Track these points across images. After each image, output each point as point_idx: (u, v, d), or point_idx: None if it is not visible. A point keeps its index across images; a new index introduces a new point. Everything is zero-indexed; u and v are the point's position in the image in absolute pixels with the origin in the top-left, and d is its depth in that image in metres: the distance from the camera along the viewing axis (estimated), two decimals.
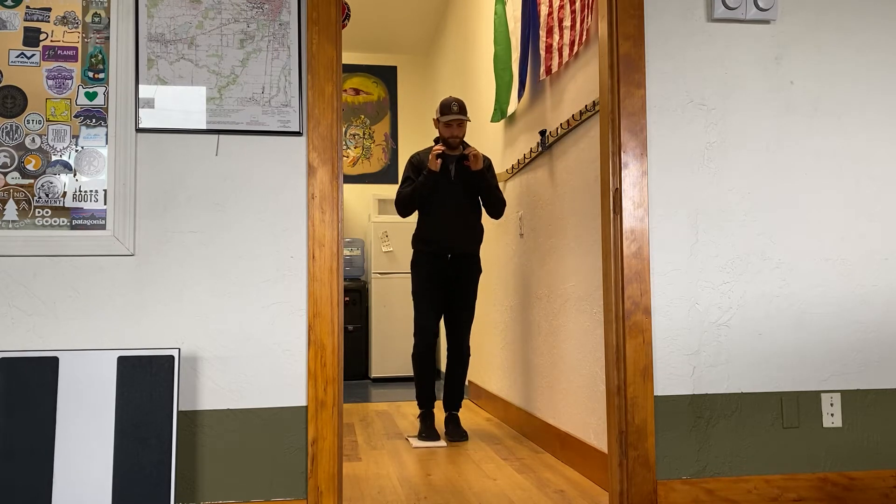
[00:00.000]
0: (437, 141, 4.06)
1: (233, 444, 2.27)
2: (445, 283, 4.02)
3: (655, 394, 2.41)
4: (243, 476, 2.27)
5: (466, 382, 4.72)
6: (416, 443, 3.81)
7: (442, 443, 3.80)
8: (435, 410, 4.43)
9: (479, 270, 4.08)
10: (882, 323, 2.53)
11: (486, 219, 5.00)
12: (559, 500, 2.75)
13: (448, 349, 4.09)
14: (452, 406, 4.06)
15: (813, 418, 2.48)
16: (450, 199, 3.98)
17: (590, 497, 2.78)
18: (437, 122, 4.00)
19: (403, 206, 4.00)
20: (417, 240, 4.07)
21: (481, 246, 4.89)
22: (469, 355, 4.08)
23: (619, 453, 2.40)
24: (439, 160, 3.85)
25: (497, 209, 4.04)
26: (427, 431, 3.90)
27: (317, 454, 2.28)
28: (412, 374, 6.45)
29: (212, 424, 2.27)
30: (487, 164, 4.06)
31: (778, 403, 2.47)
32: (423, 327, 3.97)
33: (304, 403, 2.30)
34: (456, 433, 3.92)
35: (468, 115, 3.96)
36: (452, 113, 3.93)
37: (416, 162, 4.04)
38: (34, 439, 2.05)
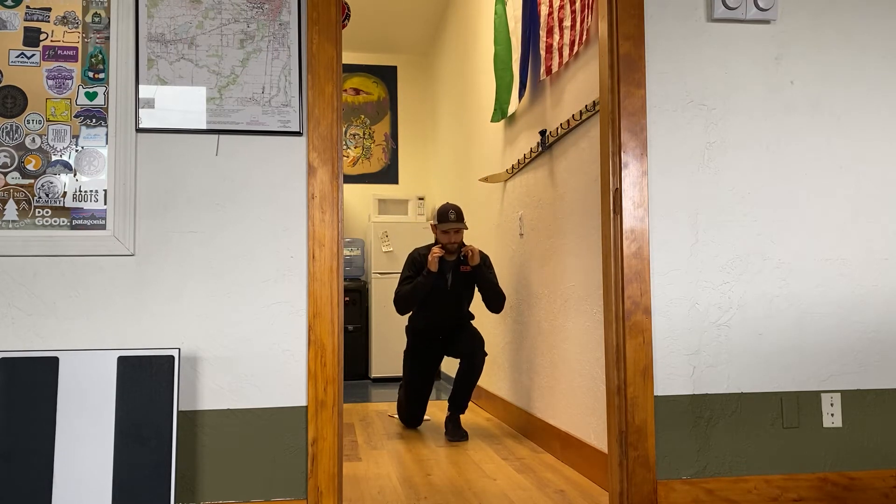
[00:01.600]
0: (435, 244, 4.17)
1: (233, 444, 2.27)
2: (439, 349, 4.28)
3: (655, 394, 2.41)
4: (243, 476, 2.27)
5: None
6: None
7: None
8: (438, 411, 4.49)
9: (472, 317, 4.27)
10: (882, 323, 2.53)
11: (481, 219, 5.00)
12: (559, 500, 2.75)
13: (461, 363, 4.15)
14: (457, 408, 4.08)
15: (813, 418, 2.48)
16: (444, 306, 4.15)
17: (590, 497, 2.78)
18: (434, 227, 4.11)
19: (403, 304, 4.15)
20: (411, 332, 4.30)
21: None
22: (485, 355, 4.14)
23: (619, 453, 2.40)
24: (436, 262, 3.99)
25: (497, 305, 4.14)
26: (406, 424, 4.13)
27: (317, 454, 2.28)
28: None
29: (212, 424, 2.27)
30: (485, 261, 4.17)
31: (778, 403, 2.47)
32: (408, 413, 4.22)
33: (304, 403, 2.30)
34: (456, 433, 3.93)
35: (465, 221, 4.19)
36: (450, 221, 4.04)
37: (417, 259, 4.16)
38: (34, 439, 2.05)
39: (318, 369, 2.30)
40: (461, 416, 4.11)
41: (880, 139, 2.57)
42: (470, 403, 5.26)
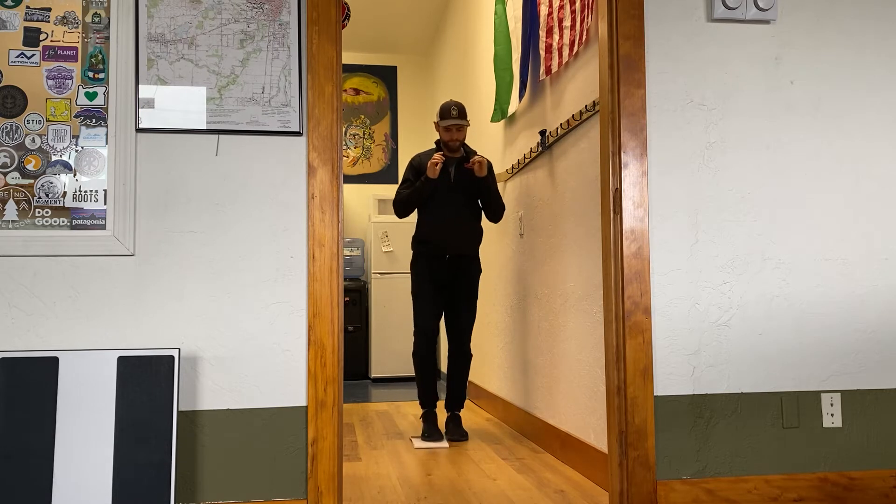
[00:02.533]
0: (437, 144, 4.07)
1: (233, 444, 2.27)
2: (444, 283, 4.02)
3: (655, 394, 2.41)
4: (243, 476, 2.27)
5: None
6: (418, 443, 3.80)
7: (445, 444, 3.80)
8: (437, 410, 4.43)
9: (479, 270, 4.08)
10: (882, 323, 2.53)
11: (485, 220, 5.00)
12: (559, 500, 2.75)
13: (449, 351, 4.08)
14: (454, 407, 4.06)
15: (813, 418, 2.48)
16: (449, 202, 3.98)
17: (590, 497, 2.78)
18: (437, 125, 4.01)
19: (401, 207, 4.02)
20: (416, 241, 4.07)
21: (481, 246, 4.89)
22: (471, 356, 4.07)
23: (619, 453, 2.40)
24: (438, 167, 3.85)
25: (496, 213, 4.05)
26: (430, 431, 3.89)
27: (317, 454, 2.28)
28: (412, 374, 6.45)
29: (212, 424, 2.27)
30: (489, 166, 4.05)
31: (778, 403, 2.47)
32: (423, 328, 3.96)
33: (304, 403, 2.30)
34: (456, 433, 3.92)
35: (468, 117, 3.95)
36: (452, 117, 3.94)
37: (417, 164, 4.04)
38: (34, 439, 2.05)
39: (318, 369, 2.30)
40: (460, 414, 4.10)
41: (880, 139, 2.57)
42: (470, 403, 5.26)
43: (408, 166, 4.08)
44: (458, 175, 3.98)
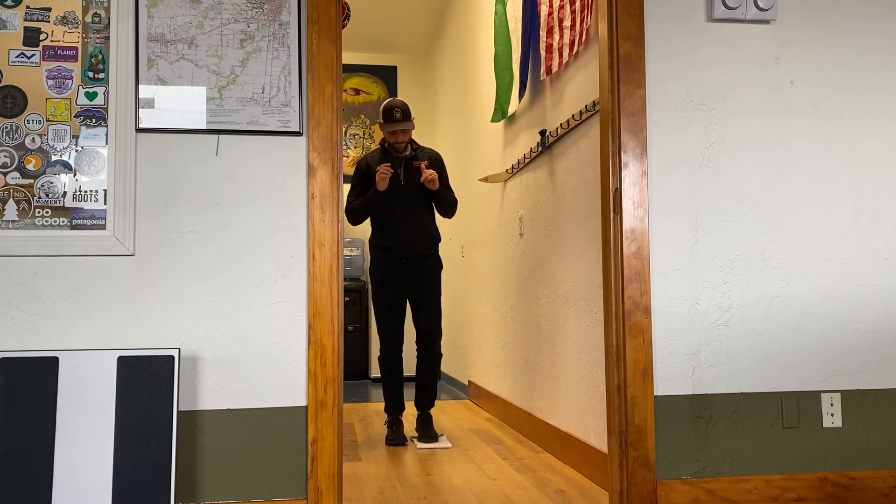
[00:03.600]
0: (383, 143, 3.99)
1: (233, 444, 2.27)
2: (405, 285, 3.95)
3: (655, 394, 2.41)
4: (243, 476, 2.27)
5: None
6: (420, 444, 3.76)
7: (446, 443, 3.77)
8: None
9: (440, 266, 4.00)
10: (882, 323, 2.53)
11: (481, 219, 5.01)
12: (559, 500, 2.75)
13: (418, 351, 3.99)
14: (424, 406, 3.95)
15: (813, 418, 2.48)
16: (402, 204, 3.91)
17: (590, 497, 2.78)
18: (381, 126, 3.91)
19: (353, 217, 3.95)
20: (372, 245, 4.01)
21: (478, 246, 4.87)
22: (440, 355, 3.98)
23: (619, 453, 2.40)
24: (386, 181, 3.76)
25: (448, 210, 3.99)
26: (394, 436, 3.82)
27: (317, 454, 2.28)
28: (412, 374, 6.44)
29: (212, 424, 2.27)
30: (438, 161, 3.99)
31: (778, 403, 2.47)
32: (386, 333, 3.93)
33: (304, 403, 2.30)
34: (427, 434, 3.80)
35: (412, 117, 3.80)
36: (396, 121, 3.84)
37: (364, 168, 3.94)
38: (34, 439, 2.05)
39: (318, 369, 2.30)
40: (431, 412, 3.99)
41: (880, 139, 2.57)
42: (470, 403, 5.25)
43: (355, 171, 3.98)
44: (408, 175, 3.90)
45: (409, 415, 4.75)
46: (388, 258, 3.94)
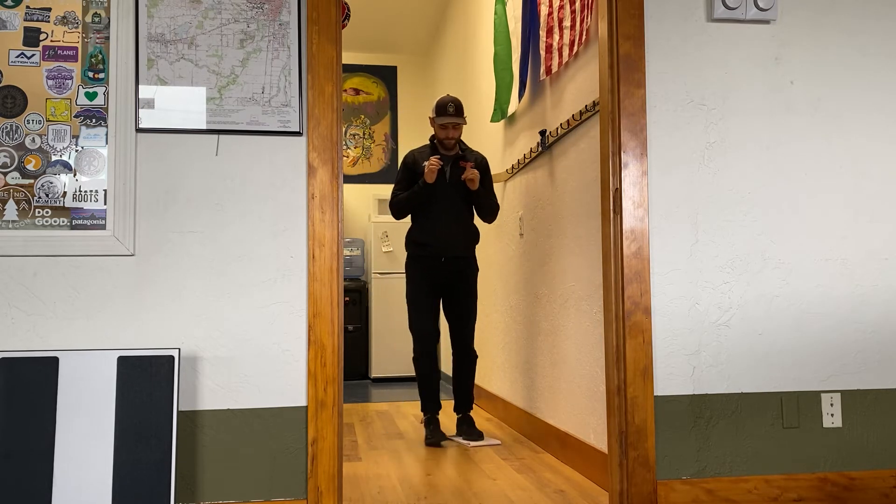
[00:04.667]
0: (432, 140, 4.00)
1: (233, 444, 2.27)
2: (441, 285, 3.96)
3: (655, 394, 2.41)
4: (243, 476, 2.27)
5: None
6: (471, 443, 3.77)
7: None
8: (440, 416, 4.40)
9: (476, 270, 4.03)
10: (882, 323, 2.53)
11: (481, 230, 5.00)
12: (559, 500, 2.75)
13: (454, 353, 4.02)
14: (464, 408, 3.99)
15: (813, 418, 2.48)
16: (443, 202, 3.91)
17: (590, 497, 2.78)
18: (432, 121, 3.93)
19: (398, 210, 3.96)
20: (410, 242, 4.01)
21: (480, 246, 4.87)
22: (476, 357, 4.02)
23: (619, 453, 2.40)
24: (435, 173, 3.78)
25: (490, 214, 4.00)
26: (433, 435, 3.82)
27: (317, 454, 2.28)
28: (412, 374, 6.44)
29: (212, 424, 2.27)
30: (484, 165, 4.00)
31: (778, 403, 2.47)
32: (422, 331, 3.90)
33: (304, 403, 2.30)
34: (472, 433, 3.84)
35: (465, 114, 3.86)
36: (448, 115, 3.85)
37: (411, 162, 3.96)
38: (34, 439, 2.05)
39: (318, 369, 2.30)
40: (472, 415, 4.04)
41: (880, 139, 2.57)
42: None
43: (402, 165, 4.00)
44: (454, 175, 3.91)
45: (411, 414, 4.75)
46: (425, 256, 3.93)
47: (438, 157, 3.85)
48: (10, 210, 2.23)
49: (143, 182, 2.28)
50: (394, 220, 6.71)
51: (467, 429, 3.89)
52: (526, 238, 4.06)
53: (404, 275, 4.12)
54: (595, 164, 3.01)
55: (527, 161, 3.97)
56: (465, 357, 3.98)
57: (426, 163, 3.83)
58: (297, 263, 2.33)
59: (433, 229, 3.92)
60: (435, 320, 3.96)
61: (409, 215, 4.00)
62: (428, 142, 4.04)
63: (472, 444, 3.77)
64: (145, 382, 2.11)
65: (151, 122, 2.28)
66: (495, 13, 4.33)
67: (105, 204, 2.27)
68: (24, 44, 2.26)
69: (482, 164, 4.00)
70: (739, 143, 2.50)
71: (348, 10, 5.23)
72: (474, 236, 4.02)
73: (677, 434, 2.42)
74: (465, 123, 3.95)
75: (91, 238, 2.25)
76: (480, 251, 5.04)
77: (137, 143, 2.29)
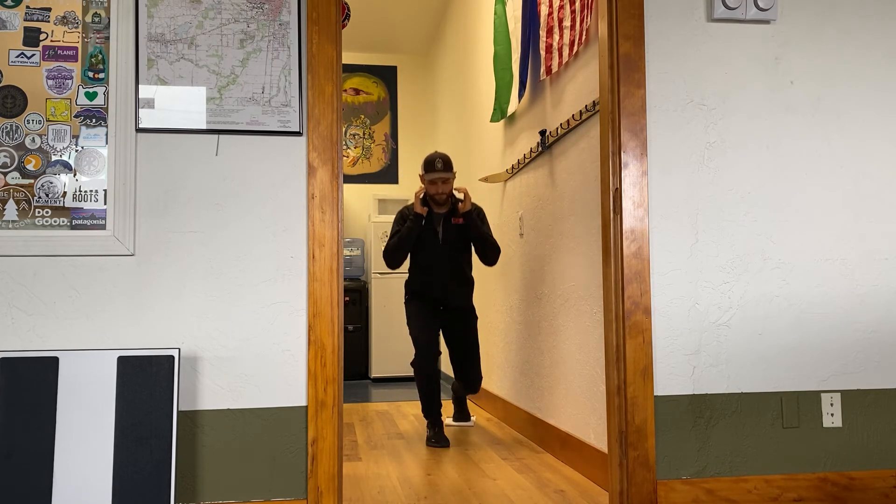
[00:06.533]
0: (423, 198, 4.04)
1: (233, 444, 2.27)
2: (441, 315, 4.08)
3: (655, 394, 2.41)
4: (243, 476, 2.27)
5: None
6: (448, 421, 4.15)
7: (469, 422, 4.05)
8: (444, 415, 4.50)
9: (475, 318, 4.15)
10: (882, 323, 2.53)
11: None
12: (559, 500, 2.75)
13: (460, 382, 4.20)
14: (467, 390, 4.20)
15: (813, 418, 2.48)
16: (438, 259, 3.99)
17: (590, 497, 2.78)
18: (422, 177, 3.98)
19: (391, 256, 3.99)
20: (409, 288, 4.11)
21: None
22: (481, 378, 4.16)
23: (619, 453, 2.40)
24: (419, 200, 3.89)
25: (490, 258, 4.03)
26: (436, 437, 3.81)
27: (317, 454, 2.28)
28: (412, 374, 6.44)
29: (212, 424, 2.27)
30: (479, 213, 4.06)
31: (778, 403, 2.47)
32: (423, 343, 3.91)
33: (304, 403, 2.30)
34: (461, 416, 4.16)
35: (454, 170, 3.95)
36: (436, 171, 3.90)
37: (406, 213, 4.03)
38: (34, 439, 2.05)
39: (318, 369, 2.30)
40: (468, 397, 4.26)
41: (880, 139, 2.57)
42: (470, 403, 5.26)
43: (396, 218, 4.06)
44: (447, 232, 3.99)
45: (411, 414, 4.75)
46: (424, 300, 4.07)
47: (422, 186, 3.96)
48: (10, 210, 2.23)
49: (143, 182, 2.28)
50: (393, 217, 6.75)
51: (457, 411, 4.23)
52: (526, 238, 4.06)
53: (405, 273, 4.18)
54: (595, 164, 3.01)
55: (527, 161, 3.97)
56: (472, 386, 4.13)
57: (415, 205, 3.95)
58: (297, 263, 2.33)
59: (429, 284, 4.03)
60: (435, 334, 4.01)
61: (405, 261, 4.07)
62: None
63: (454, 423, 4.23)
64: (145, 382, 2.11)
65: (151, 122, 2.28)
66: (495, 13, 4.33)
67: (105, 204, 2.27)
68: (24, 44, 2.26)
69: (478, 214, 4.06)
70: (739, 143, 2.50)
71: (348, 10, 5.23)
72: (470, 288, 4.14)
73: (677, 434, 2.42)
74: (454, 178, 3.99)
75: (91, 238, 2.25)
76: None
77: (137, 143, 2.29)
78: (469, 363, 4.08)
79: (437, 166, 3.90)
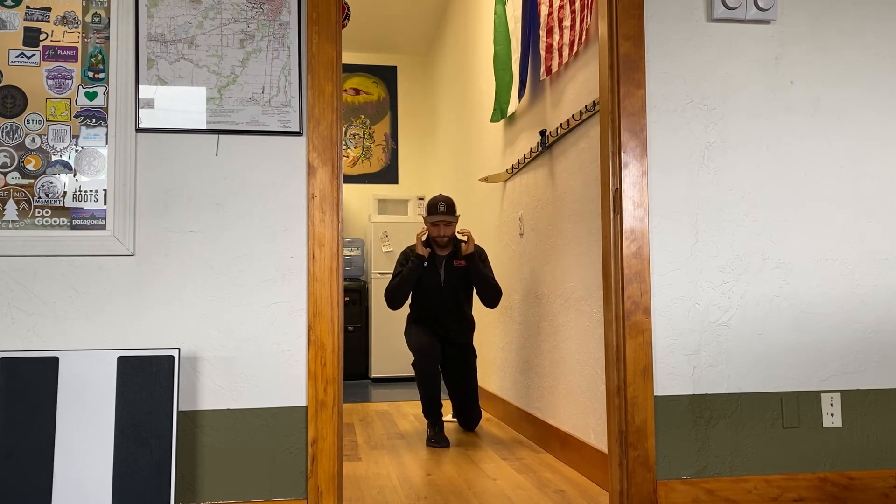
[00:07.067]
0: (426, 242, 4.10)
1: (233, 444, 2.27)
2: (442, 346, 4.11)
3: (655, 394, 2.41)
4: (243, 476, 2.27)
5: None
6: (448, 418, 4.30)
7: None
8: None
9: (475, 356, 4.19)
10: (882, 323, 2.53)
11: (481, 219, 5.00)
12: (559, 500, 2.75)
13: (455, 414, 4.22)
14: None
15: (813, 418, 2.48)
16: (439, 301, 4.05)
17: (590, 497, 2.78)
18: (425, 220, 4.02)
19: (391, 297, 4.02)
20: (412, 321, 4.19)
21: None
22: (480, 416, 4.18)
23: (619, 453, 2.40)
24: (421, 241, 3.94)
25: (491, 300, 4.05)
26: (436, 437, 3.81)
27: (317, 454, 2.28)
28: (412, 374, 6.44)
29: (212, 424, 2.27)
30: (481, 254, 4.09)
31: (778, 403, 2.47)
32: (424, 344, 3.93)
33: (304, 403, 2.30)
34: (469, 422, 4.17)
35: (457, 213, 4.01)
36: (439, 213, 3.95)
37: (408, 254, 4.08)
38: (34, 439, 2.05)
39: (318, 369, 2.30)
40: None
41: (880, 139, 2.57)
42: None
43: (399, 259, 4.11)
44: (448, 275, 4.03)
45: (411, 414, 4.75)
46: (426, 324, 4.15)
47: (425, 228, 4.02)
48: (10, 210, 2.23)
49: (143, 182, 2.28)
50: (396, 219, 6.76)
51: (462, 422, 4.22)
52: (526, 238, 4.06)
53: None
54: (595, 164, 3.01)
55: (527, 161, 3.97)
56: (469, 423, 4.15)
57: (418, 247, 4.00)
58: (297, 263, 2.33)
59: (431, 322, 4.09)
60: (436, 340, 4.04)
61: (406, 301, 4.10)
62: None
63: (454, 419, 4.29)
64: (145, 382, 2.11)
65: (151, 122, 2.28)
66: (495, 13, 4.33)
67: (105, 204, 2.27)
68: (24, 44, 2.26)
69: (480, 256, 4.08)
70: (739, 143, 2.50)
71: (348, 10, 5.23)
72: (471, 327, 4.21)
73: (677, 434, 2.42)
74: (456, 221, 4.04)
75: (91, 238, 2.25)
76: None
77: (137, 143, 2.29)
78: (467, 400, 4.11)
79: (440, 209, 3.96)
